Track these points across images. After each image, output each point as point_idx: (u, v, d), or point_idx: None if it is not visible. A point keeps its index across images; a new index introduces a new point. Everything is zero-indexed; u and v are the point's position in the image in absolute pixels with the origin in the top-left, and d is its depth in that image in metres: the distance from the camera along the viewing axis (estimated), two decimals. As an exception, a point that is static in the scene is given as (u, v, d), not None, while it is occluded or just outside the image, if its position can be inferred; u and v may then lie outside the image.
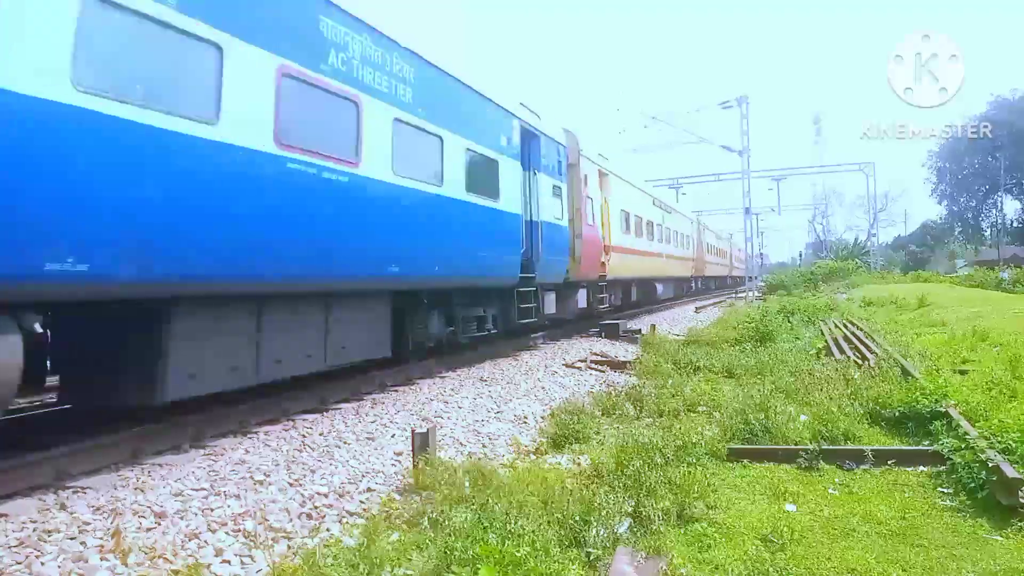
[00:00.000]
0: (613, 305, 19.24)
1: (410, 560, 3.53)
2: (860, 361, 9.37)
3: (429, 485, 4.64)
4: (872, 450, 5.57)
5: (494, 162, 10.20)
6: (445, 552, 3.44)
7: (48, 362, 5.36)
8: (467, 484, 4.55)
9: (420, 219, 8.15)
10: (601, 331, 15.48)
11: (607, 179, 17.58)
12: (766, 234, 76.04)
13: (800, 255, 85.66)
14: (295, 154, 5.99)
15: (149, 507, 4.07)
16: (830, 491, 4.99)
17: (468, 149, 9.31)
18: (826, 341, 12.22)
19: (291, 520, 4.16)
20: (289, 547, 3.83)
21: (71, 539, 3.62)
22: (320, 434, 6.08)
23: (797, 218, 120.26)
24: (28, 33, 3.92)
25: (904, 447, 5.93)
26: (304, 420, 6.60)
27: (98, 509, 4.02)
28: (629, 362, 11.28)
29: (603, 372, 10.86)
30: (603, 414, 7.41)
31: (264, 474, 4.84)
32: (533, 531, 3.70)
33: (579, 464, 5.46)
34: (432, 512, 4.10)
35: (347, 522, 4.24)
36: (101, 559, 3.42)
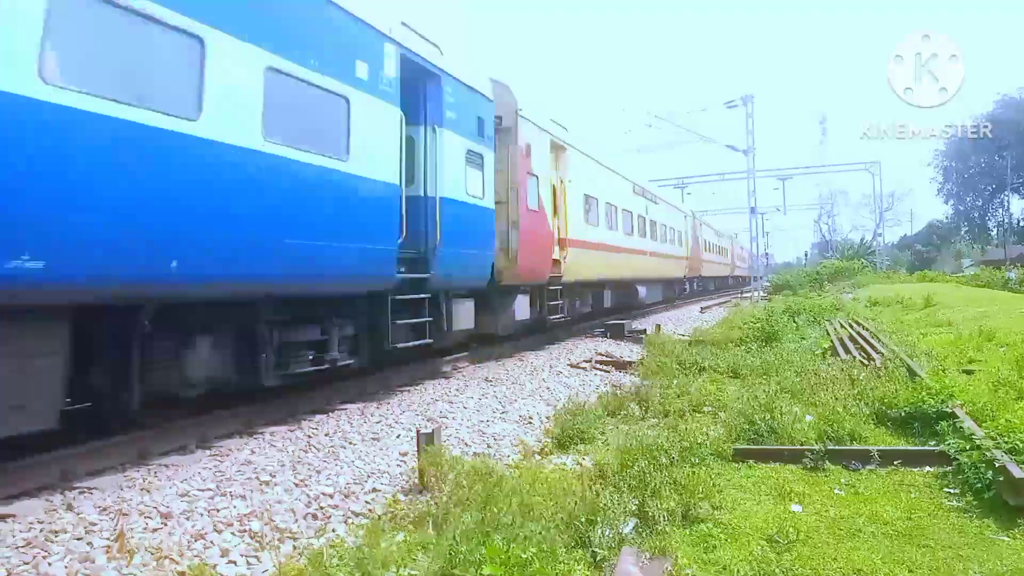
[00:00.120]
0: (573, 315, 15.35)
1: (415, 561, 3.53)
2: (866, 361, 9.35)
3: (434, 486, 4.65)
4: (878, 450, 5.57)
5: (339, 99, 6.80)
6: (450, 553, 3.44)
7: None
8: (473, 485, 4.55)
9: (124, 176, 4.61)
10: (606, 331, 15.68)
11: (564, 154, 13.74)
12: (771, 234, 75.86)
13: (805, 255, 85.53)
14: None
15: (155, 508, 4.09)
16: (836, 491, 4.98)
17: (271, 68, 5.83)
18: (832, 341, 12.17)
19: (297, 521, 4.18)
20: (295, 548, 3.84)
21: (78, 539, 3.63)
22: (325, 434, 6.09)
23: (803, 218, 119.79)
24: None
25: (910, 447, 5.92)
26: (309, 420, 6.62)
27: (104, 510, 4.04)
28: (634, 362, 11.28)
29: (608, 372, 10.88)
30: (608, 414, 7.40)
31: (270, 475, 4.85)
32: (539, 532, 3.70)
33: (583, 465, 5.46)
34: (437, 513, 4.11)
35: (352, 523, 4.25)
36: (108, 559, 3.43)
